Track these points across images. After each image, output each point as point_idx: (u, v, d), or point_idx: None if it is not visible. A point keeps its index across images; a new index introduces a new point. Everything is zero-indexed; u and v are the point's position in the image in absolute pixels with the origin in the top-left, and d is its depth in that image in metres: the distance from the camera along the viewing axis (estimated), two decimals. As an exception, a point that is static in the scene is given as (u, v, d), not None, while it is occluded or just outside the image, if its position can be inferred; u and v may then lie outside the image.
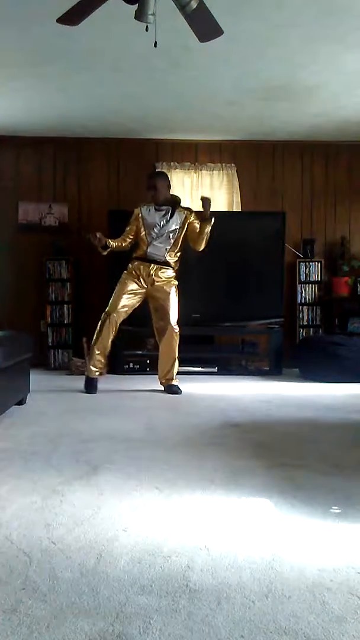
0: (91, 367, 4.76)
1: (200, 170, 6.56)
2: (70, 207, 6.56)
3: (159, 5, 2.81)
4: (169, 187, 4.91)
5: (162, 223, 4.76)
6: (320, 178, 6.73)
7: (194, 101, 5.43)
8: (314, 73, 4.75)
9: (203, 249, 4.83)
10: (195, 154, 6.60)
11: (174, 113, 5.77)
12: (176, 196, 5.00)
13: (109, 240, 4.72)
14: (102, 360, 4.80)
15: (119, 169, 6.57)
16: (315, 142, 6.63)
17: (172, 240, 4.77)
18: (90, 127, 6.17)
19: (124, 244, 4.83)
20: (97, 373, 4.77)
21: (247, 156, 6.63)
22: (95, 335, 4.76)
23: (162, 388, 4.79)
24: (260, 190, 6.64)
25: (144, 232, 4.78)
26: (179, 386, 4.75)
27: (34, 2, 3.62)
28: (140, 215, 4.82)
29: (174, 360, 4.78)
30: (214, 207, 6.38)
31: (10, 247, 6.48)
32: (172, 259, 4.81)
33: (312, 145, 6.66)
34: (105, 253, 4.77)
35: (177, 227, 4.77)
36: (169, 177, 4.99)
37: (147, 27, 2.87)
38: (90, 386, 4.72)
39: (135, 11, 2.81)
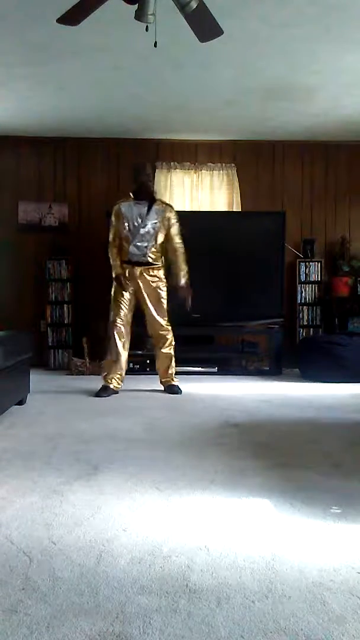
0: (105, 377, 4.66)
1: (200, 170, 6.56)
2: (70, 207, 6.55)
3: (159, 5, 2.81)
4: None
5: (140, 218, 4.58)
6: (320, 178, 6.73)
7: (194, 101, 5.42)
8: (314, 73, 4.74)
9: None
10: (195, 154, 6.60)
11: (174, 113, 5.76)
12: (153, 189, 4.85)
13: (123, 274, 4.60)
14: (116, 369, 4.64)
15: (119, 169, 6.56)
16: (315, 142, 6.62)
17: (152, 237, 4.60)
18: (90, 127, 6.16)
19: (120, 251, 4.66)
20: (113, 385, 4.62)
21: (247, 156, 6.62)
22: (107, 348, 4.72)
23: (162, 388, 4.79)
24: (260, 190, 6.63)
25: (126, 230, 4.59)
26: (179, 386, 4.75)
27: (34, 2, 3.62)
28: (120, 211, 4.62)
29: (171, 359, 4.74)
30: (214, 207, 6.44)
31: (10, 247, 6.48)
32: (155, 256, 4.65)
33: (312, 145, 6.65)
34: None
35: (157, 220, 4.60)
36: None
37: (147, 27, 2.87)
38: (102, 391, 4.59)
39: (135, 11, 2.81)
